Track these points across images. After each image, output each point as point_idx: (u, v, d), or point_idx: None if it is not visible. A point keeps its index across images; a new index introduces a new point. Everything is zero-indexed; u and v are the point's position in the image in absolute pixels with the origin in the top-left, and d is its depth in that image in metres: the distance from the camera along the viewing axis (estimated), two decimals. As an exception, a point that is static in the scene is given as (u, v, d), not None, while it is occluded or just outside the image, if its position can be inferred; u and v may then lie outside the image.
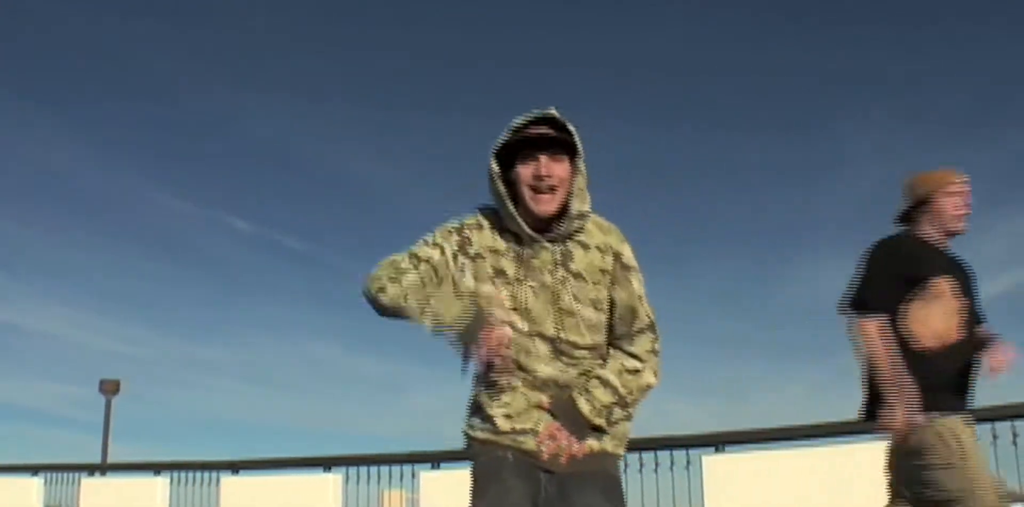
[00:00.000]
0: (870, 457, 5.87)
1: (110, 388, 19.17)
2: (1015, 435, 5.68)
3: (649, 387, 2.21)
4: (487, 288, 2.16)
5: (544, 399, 2.15)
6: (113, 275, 27.41)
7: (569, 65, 25.00)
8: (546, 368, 2.14)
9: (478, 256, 2.19)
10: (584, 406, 2.13)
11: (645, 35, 24.03)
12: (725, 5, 24.19)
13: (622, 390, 2.16)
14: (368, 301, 2.22)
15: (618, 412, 2.17)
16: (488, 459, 2.15)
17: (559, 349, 2.15)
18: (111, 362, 32.10)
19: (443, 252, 2.20)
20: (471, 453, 2.20)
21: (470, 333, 2.07)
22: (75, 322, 28.59)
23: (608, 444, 2.18)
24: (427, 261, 2.19)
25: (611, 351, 2.21)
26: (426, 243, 2.23)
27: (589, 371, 2.18)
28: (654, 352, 2.21)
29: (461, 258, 2.20)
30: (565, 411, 2.13)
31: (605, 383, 2.15)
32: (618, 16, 23.26)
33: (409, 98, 26.14)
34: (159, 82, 25.01)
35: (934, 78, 22.93)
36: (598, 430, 2.16)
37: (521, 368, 2.15)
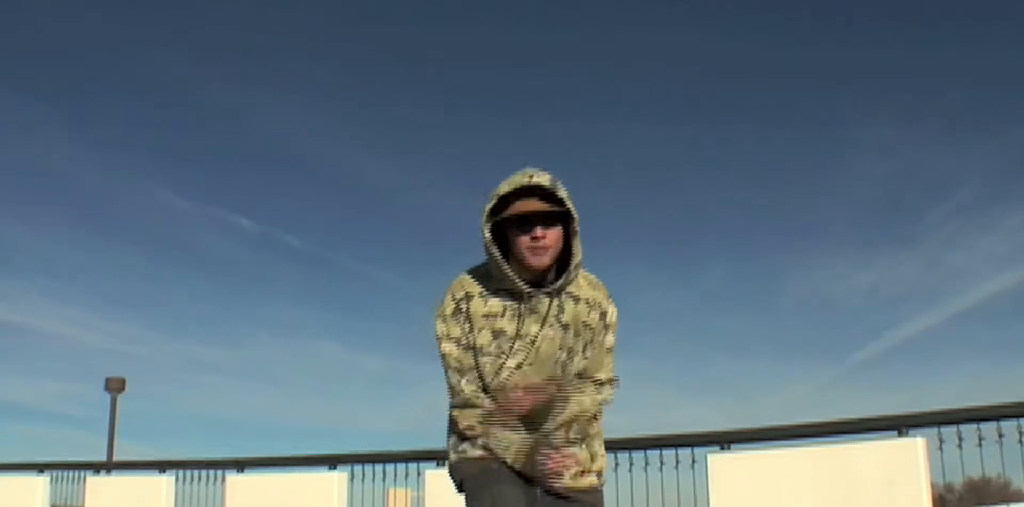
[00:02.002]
0: (876, 456, 5.88)
1: (116, 386, 19.24)
2: (1021, 433, 5.67)
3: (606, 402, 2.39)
4: (484, 359, 2.26)
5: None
6: (118, 274, 27.47)
7: (577, 64, 24.99)
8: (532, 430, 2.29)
9: (475, 327, 2.27)
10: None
11: (653, 34, 24.02)
12: (731, 3, 24.16)
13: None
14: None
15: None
16: (483, 469, 2.25)
17: (558, 402, 2.29)
18: (116, 361, 32.23)
19: (458, 343, 2.29)
20: (463, 471, 2.30)
21: (530, 462, 2.27)
22: (80, 321, 28.67)
23: (597, 477, 2.37)
24: (455, 358, 2.30)
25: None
26: (441, 340, 2.31)
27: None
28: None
29: (472, 331, 2.29)
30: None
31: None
32: (627, 15, 23.25)
33: (416, 97, 26.17)
34: (163, 80, 25.06)
35: (938, 76, 22.90)
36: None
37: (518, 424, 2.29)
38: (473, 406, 2.27)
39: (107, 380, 19.36)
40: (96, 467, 11.38)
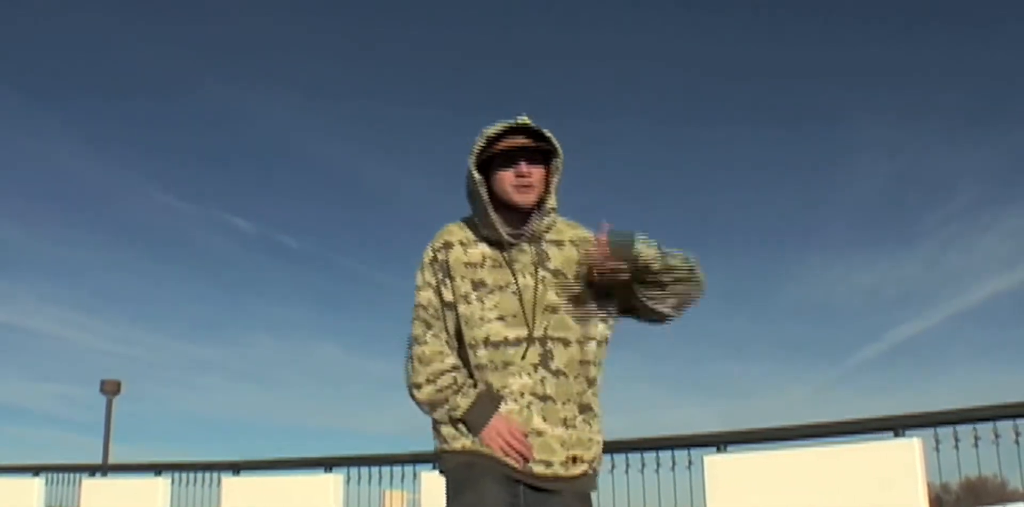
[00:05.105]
0: (873, 456, 5.88)
1: (111, 388, 19.17)
2: (1017, 434, 5.68)
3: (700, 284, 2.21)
4: (463, 307, 2.22)
5: (534, 414, 2.16)
6: (114, 275, 27.44)
7: (578, 64, 25.00)
8: (521, 380, 2.17)
9: (454, 276, 2.25)
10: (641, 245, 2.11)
11: (654, 32, 24.03)
12: (731, 3, 24.17)
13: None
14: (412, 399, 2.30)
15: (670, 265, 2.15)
16: (465, 463, 2.17)
17: (547, 350, 2.18)
18: (112, 362, 32.15)
19: (436, 291, 2.27)
20: (446, 463, 2.24)
21: (480, 421, 2.17)
22: (76, 322, 28.61)
23: (589, 466, 2.21)
24: (432, 308, 2.26)
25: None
26: (420, 289, 2.30)
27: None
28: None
29: (448, 282, 2.26)
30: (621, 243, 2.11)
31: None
32: (627, 15, 23.25)
33: (413, 96, 26.16)
34: (159, 79, 25.04)
35: (940, 75, 22.94)
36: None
37: (496, 383, 2.18)
38: (430, 362, 2.22)
39: (103, 382, 19.26)
40: (91, 469, 11.36)
